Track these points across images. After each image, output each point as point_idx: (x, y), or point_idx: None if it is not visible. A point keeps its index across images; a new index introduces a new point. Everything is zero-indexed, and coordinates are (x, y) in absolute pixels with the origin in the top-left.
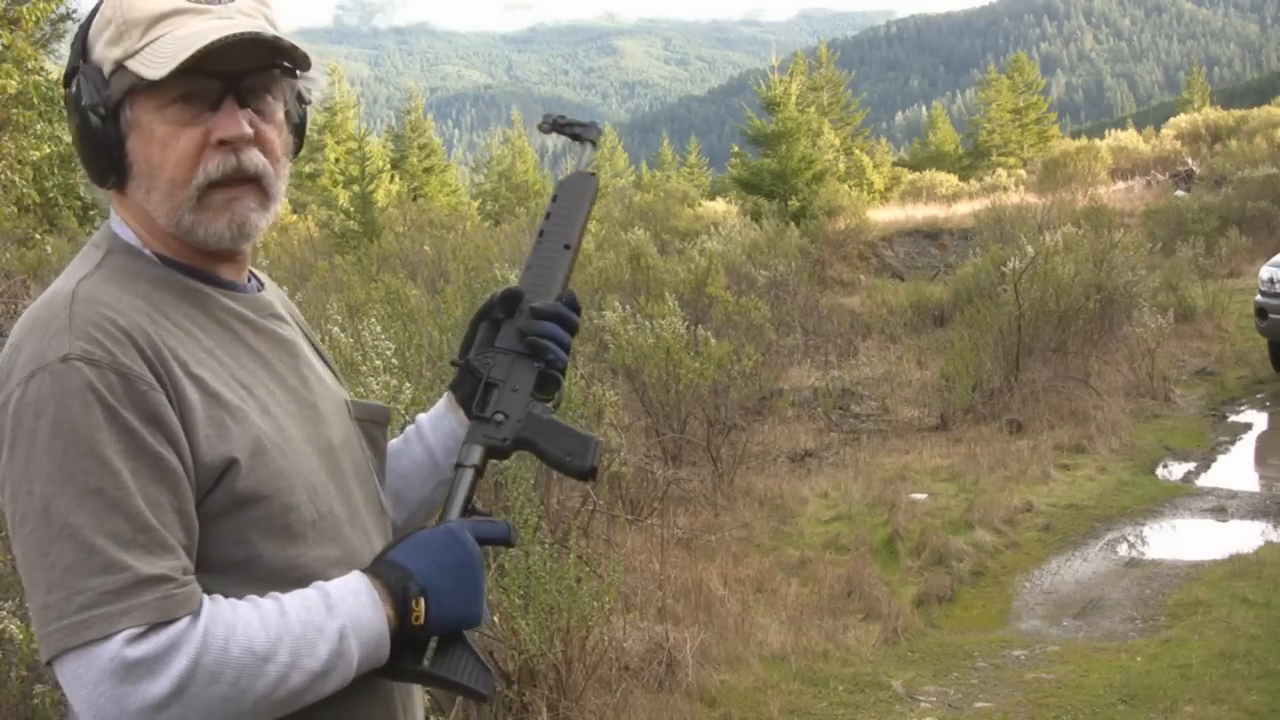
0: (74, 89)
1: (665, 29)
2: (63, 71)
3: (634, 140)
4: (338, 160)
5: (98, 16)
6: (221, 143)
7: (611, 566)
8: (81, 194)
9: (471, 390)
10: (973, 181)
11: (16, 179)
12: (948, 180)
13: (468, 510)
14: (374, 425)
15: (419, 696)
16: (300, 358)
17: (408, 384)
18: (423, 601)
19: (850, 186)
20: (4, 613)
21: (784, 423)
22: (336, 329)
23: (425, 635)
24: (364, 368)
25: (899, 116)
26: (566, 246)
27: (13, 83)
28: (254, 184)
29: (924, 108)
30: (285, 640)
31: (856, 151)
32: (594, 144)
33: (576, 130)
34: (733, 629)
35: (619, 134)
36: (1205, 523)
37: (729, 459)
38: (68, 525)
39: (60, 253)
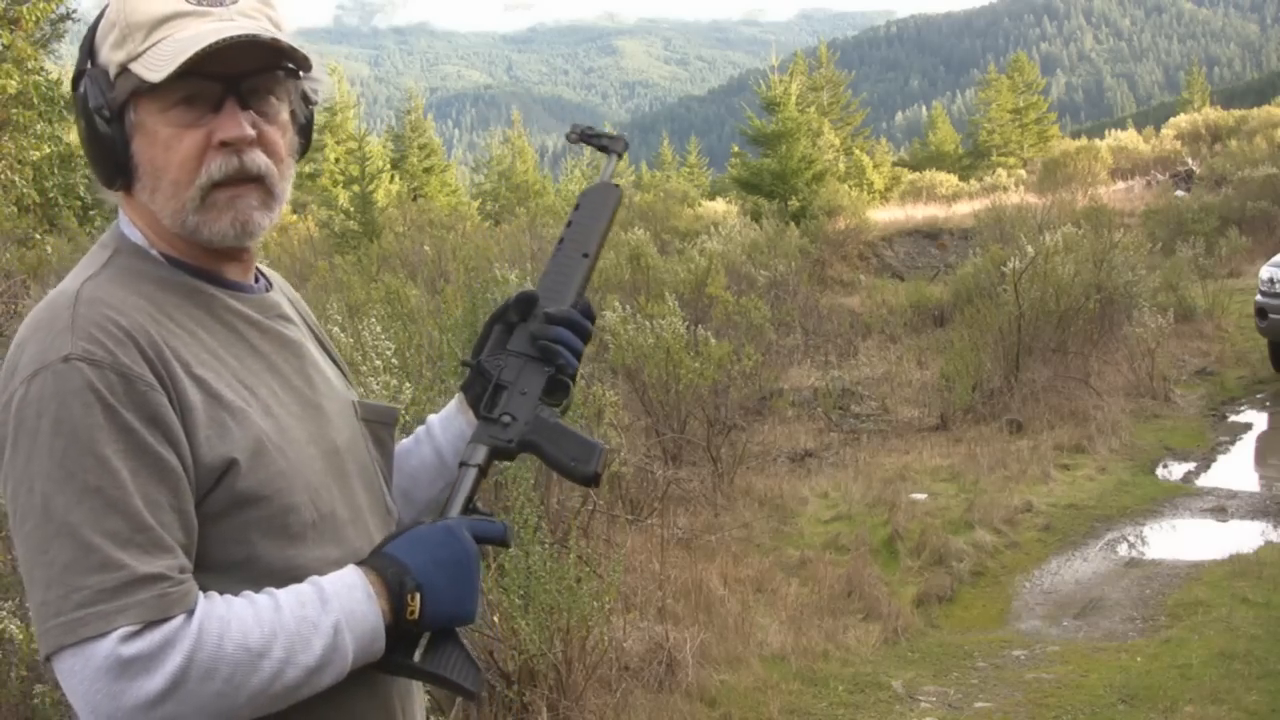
0: (81, 92)
1: (665, 29)
2: (62, 71)
3: (634, 140)
4: (338, 160)
5: (103, 20)
6: (223, 144)
7: (611, 566)
8: (81, 194)
9: (482, 391)
10: (973, 181)
11: (16, 179)
12: (948, 180)
13: (469, 509)
14: (381, 426)
15: (419, 695)
16: (306, 358)
17: (408, 384)
18: (418, 596)
19: (850, 186)
20: (4, 613)
21: (784, 423)
22: (336, 329)
23: (419, 630)
24: (364, 368)
25: (899, 116)
26: (585, 255)
27: (13, 83)
28: (257, 184)
29: (924, 108)
30: (280, 636)
31: (856, 151)
32: (620, 156)
33: (604, 142)
34: (733, 629)
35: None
36: (1205, 523)
37: (729, 459)
38: (66, 523)
39: (60, 253)
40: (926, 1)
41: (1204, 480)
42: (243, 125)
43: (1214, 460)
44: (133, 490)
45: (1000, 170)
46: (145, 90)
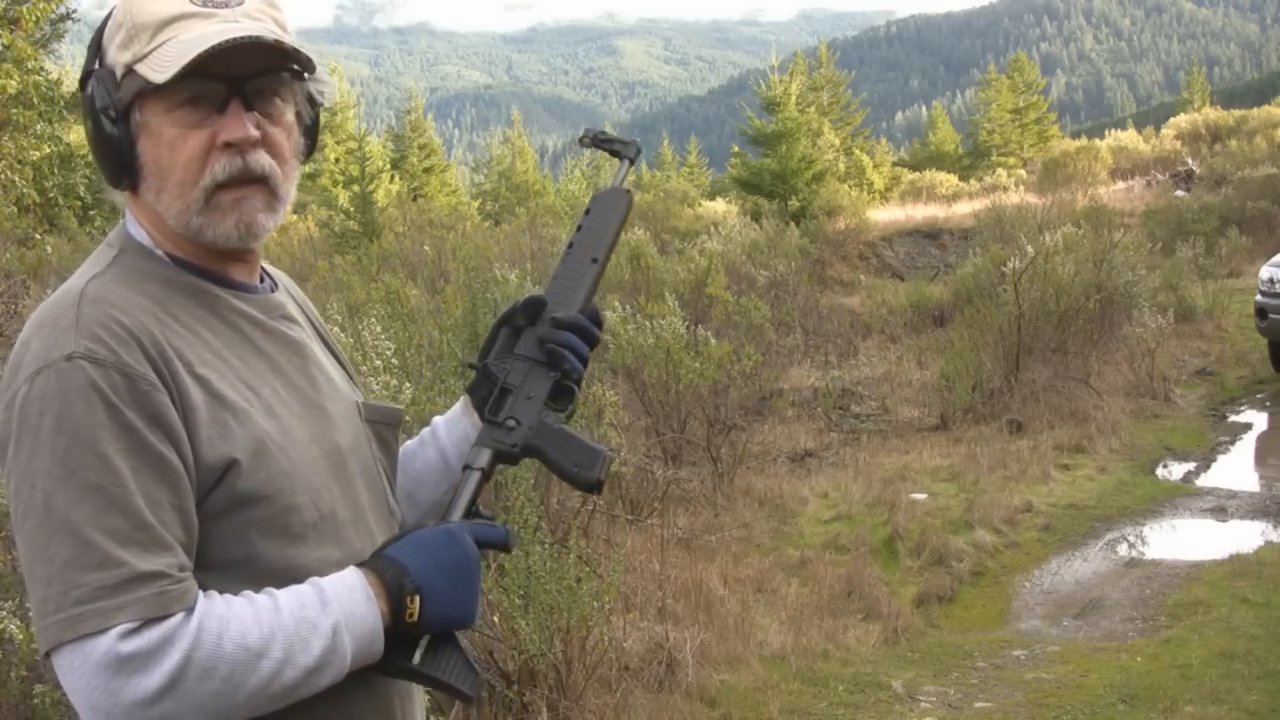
0: (89, 92)
1: (665, 29)
2: (62, 71)
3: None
4: (338, 160)
5: (111, 21)
6: (228, 145)
7: (611, 566)
8: (81, 194)
9: (488, 394)
10: (973, 181)
11: (16, 179)
12: (948, 180)
13: (471, 513)
14: (385, 427)
15: (418, 696)
16: (309, 359)
17: (408, 384)
18: (417, 599)
19: (850, 186)
20: (4, 613)
21: (784, 423)
22: (336, 329)
23: (418, 633)
24: (364, 368)
25: (899, 116)
26: (594, 260)
27: (13, 83)
28: (261, 185)
29: (924, 108)
30: (279, 636)
31: (856, 151)
32: (632, 161)
33: (616, 146)
34: (733, 629)
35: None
36: (1205, 523)
37: (729, 459)
38: (67, 521)
39: (60, 253)
40: (926, 1)
41: (1204, 480)
42: (246, 126)
43: (1214, 460)
44: (134, 488)
45: (1000, 170)
46: (151, 91)
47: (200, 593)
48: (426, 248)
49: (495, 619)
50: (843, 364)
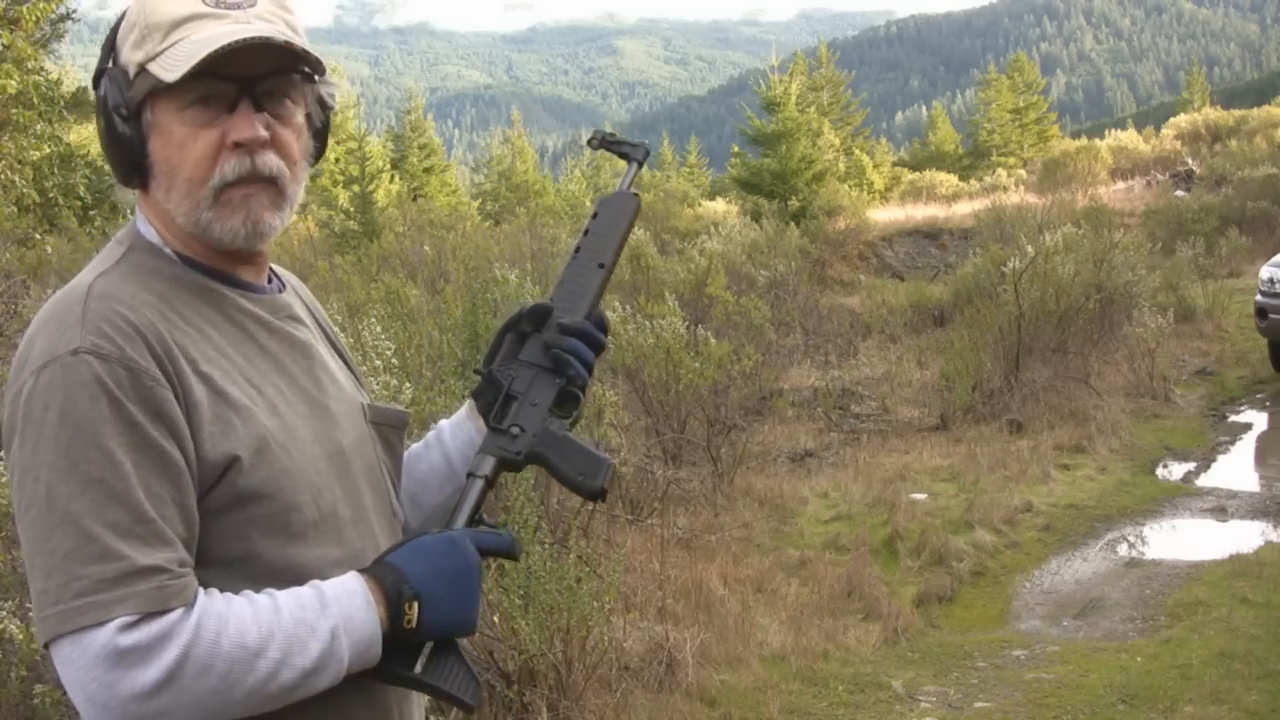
0: (101, 91)
1: (665, 29)
2: (62, 71)
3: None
4: (338, 160)
5: (124, 21)
6: (237, 145)
7: (611, 566)
8: (81, 194)
9: (493, 400)
10: (973, 181)
11: (16, 179)
12: (948, 180)
13: (475, 520)
14: (391, 429)
15: (417, 701)
16: (315, 360)
17: (408, 384)
18: (416, 605)
19: (850, 186)
20: (4, 613)
21: (784, 423)
22: (336, 329)
23: (417, 639)
24: (364, 368)
25: (899, 116)
26: (601, 265)
27: (13, 83)
28: (269, 184)
29: (924, 108)
30: (277, 636)
31: (856, 151)
32: (641, 164)
33: (625, 149)
34: (733, 629)
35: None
36: (1205, 523)
37: (729, 459)
38: (69, 513)
39: (60, 253)
40: (926, 1)
41: (1204, 480)
42: (256, 126)
43: (1214, 460)
44: (135, 483)
45: (1000, 170)
46: (162, 90)
47: (200, 590)
48: (426, 248)
49: (495, 619)
50: (843, 364)
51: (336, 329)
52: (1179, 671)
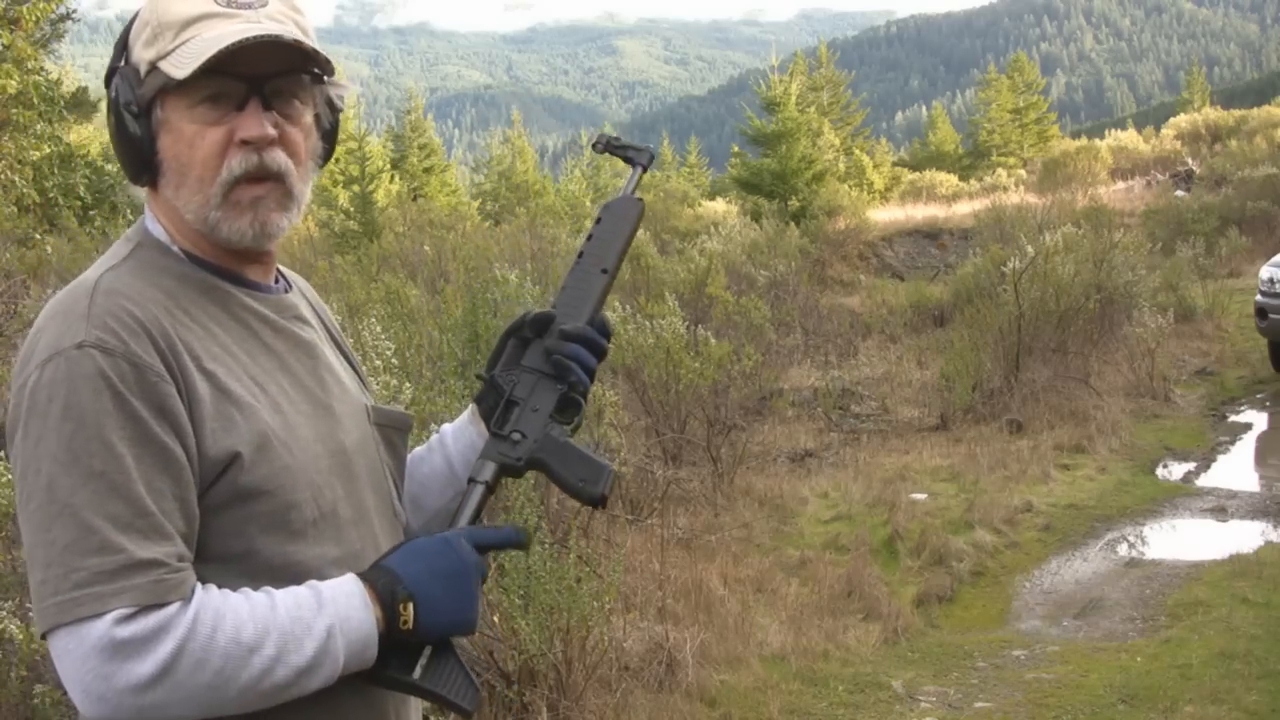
0: (113, 88)
1: (665, 29)
2: (62, 71)
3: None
4: (338, 160)
5: (137, 19)
6: (245, 142)
7: (611, 566)
8: (81, 194)
9: (494, 405)
10: (973, 181)
11: (16, 179)
12: (948, 180)
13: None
14: (394, 432)
15: (414, 703)
16: (319, 360)
17: (408, 384)
18: (411, 606)
19: (850, 186)
20: (4, 613)
21: (784, 423)
22: (342, 332)
23: (415, 640)
24: (364, 368)
25: (899, 116)
26: (604, 271)
27: (13, 83)
28: (277, 182)
29: (924, 108)
30: (273, 633)
31: (856, 151)
32: (645, 168)
33: (629, 154)
34: (733, 629)
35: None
36: (1205, 523)
37: (729, 459)
38: (69, 505)
39: (60, 253)
40: (926, 1)
41: (1204, 480)
42: (264, 125)
43: (1214, 460)
44: (136, 477)
45: (1000, 170)
46: (172, 87)
47: (198, 585)
48: (426, 248)
49: (495, 619)
50: (843, 364)
51: (342, 331)
52: (1179, 671)
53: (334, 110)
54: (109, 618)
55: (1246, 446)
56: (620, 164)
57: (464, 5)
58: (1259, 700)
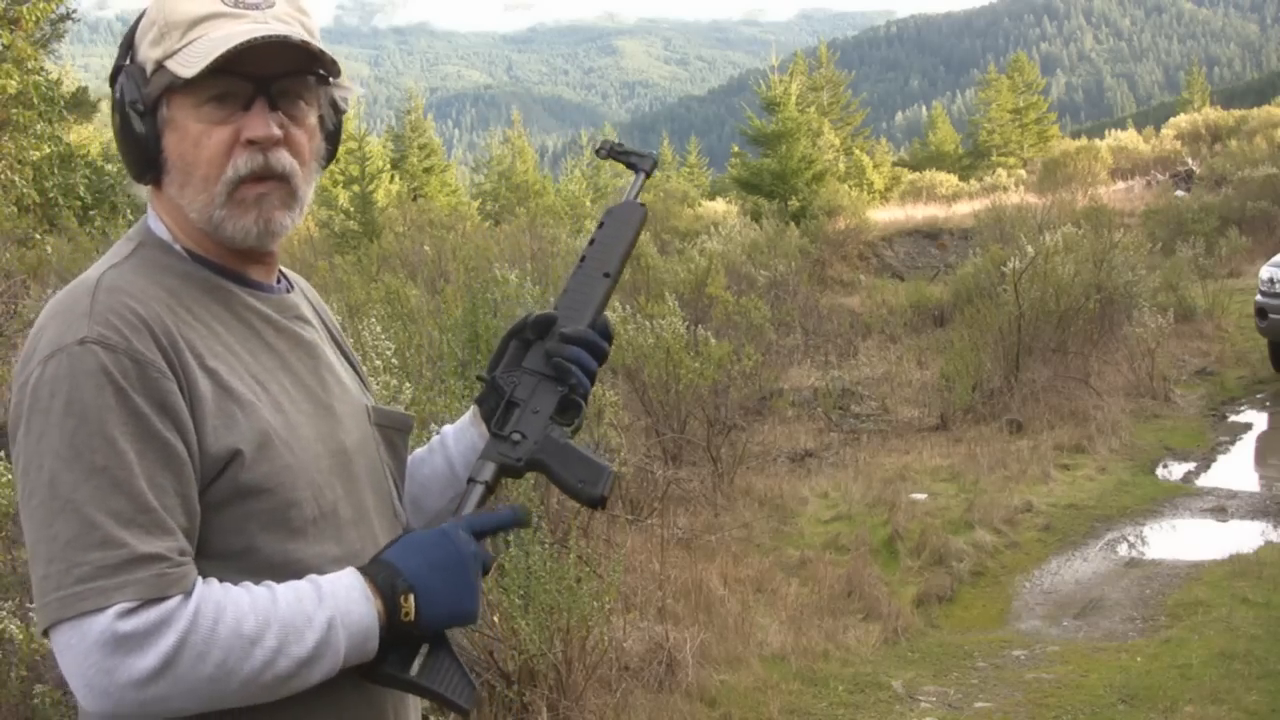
0: (118, 88)
1: (665, 29)
2: (62, 71)
3: (634, 140)
4: (338, 160)
5: (144, 19)
6: (250, 142)
7: (611, 566)
8: (81, 194)
9: (495, 406)
10: (973, 181)
11: (16, 179)
12: (948, 180)
13: None
14: (395, 432)
15: (413, 700)
16: (320, 360)
17: (407, 384)
18: (411, 598)
19: (850, 186)
20: (4, 613)
21: (784, 423)
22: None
23: (417, 632)
24: (364, 368)
25: (899, 116)
26: (606, 274)
27: (13, 83)
28: (281, 182)
29: (924, 108)
30: (274, 625)
31: (856, 151)
32: (648, 174)
33: (632, 159)
34: (733, 629)
35: (619, 134)
36: (1205, 523)
37: (729, 459)
38: (71, 500)
39: (60, 253)
40: (926, 1)
41: (1204, 480)
42: (270, 125)
43: (1214, 460)
44: (138, 472)
45: (1000, 170)
46: (179, 87)
47: (199, 578)
48: (426, 248)
49: (495, 619)
50: (843, 364)
51: (342, 332)
52: (1179, 671)
53: (338, 112)
54: (111, 612)
55: (1246, 446)
56: (621, 165)
57: (464, 5)
58: (1259, 700)
